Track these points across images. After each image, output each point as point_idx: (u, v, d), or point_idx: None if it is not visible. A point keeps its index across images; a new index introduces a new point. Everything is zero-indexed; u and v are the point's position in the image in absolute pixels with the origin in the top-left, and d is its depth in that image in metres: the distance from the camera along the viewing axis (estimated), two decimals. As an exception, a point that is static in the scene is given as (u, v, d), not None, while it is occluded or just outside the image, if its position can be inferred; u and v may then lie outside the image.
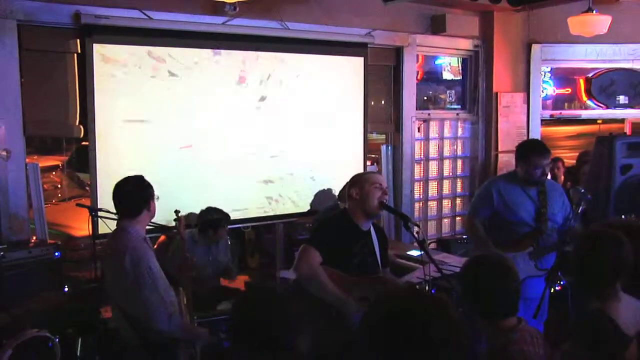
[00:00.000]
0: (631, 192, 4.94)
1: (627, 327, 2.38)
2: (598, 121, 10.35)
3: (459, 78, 7.52)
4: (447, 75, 7.63)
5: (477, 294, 2.39)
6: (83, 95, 4.94)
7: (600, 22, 5.87)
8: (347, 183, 3.62)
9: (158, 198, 3.38)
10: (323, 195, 6.04)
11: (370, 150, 6.88)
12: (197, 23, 5.33)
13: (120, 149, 5.07)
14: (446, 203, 7.46)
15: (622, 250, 2.48)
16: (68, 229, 6.42)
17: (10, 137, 4.67)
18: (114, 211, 3.39)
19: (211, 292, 4.90)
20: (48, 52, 4.90)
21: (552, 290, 3.74)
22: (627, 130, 7.85)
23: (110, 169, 4.97)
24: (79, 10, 4.81)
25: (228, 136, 5.59)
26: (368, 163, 6.79)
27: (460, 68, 7.46)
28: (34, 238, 4.85)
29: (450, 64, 7.58)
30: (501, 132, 7.20)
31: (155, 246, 4.90)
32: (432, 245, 6.55)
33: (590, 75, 7.63)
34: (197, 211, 5.13)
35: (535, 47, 7.30)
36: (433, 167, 7.27)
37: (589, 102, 7.73)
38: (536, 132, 7.43)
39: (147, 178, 3.38)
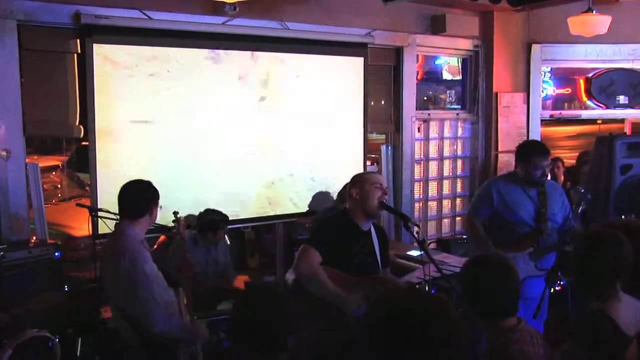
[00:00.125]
0: (631, 192, 4.94)
1: (627, 327, 2.38)
2: (598, 121, 10.35)
3: (458, 78, 7.52)
4: (445, 75, 7.63)
5: (477, 294, 2.39)
6: (83, 95, 4.94)
7: (600, 22, 5.87)
8: (347, 184, 3.62)
9: (161, 207, 3.37)
10: (321, 197, 6.04)
11: (370, 150, 6.88)
12: (197, 23, 5.33)
13: (120, 149, 5.07)
14: (446, 203, 7.46)
15: (622, 250, 2.48)
16: (68, 229, 6.42)
17: (10, 137, 4.67)
18: (114, 211, 3.39)
19: (211, 292, 4.89)
20: (48, 52, 4.90)
21: (552, 290, 3.74)
22: (627, 130, 7.85)
23: (110, 169, 4.97)
24: (79, 10, 4.81)
25: (228, 136, 5.59)
26: (368, 163, 6.79)
27: (460, 67, 7.46)
28: (34, 238, 4.85)
29: (447, 63, 7.58)
30: (501, 132, 7.20)
31: (155, 246, 4.91)
32: (432, 245, 6.55)
33: (590, 75, 7.63)
34: (197, 211, 5.13)
35: (535, 47, 7.30)
36: (433, 167, 7.27)
37: (589, 102, 7.73)
38: (536, 132, 7.43)
39: (146, 178, 3.39)
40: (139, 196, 3.27)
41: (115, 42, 4.98)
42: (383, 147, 6.90)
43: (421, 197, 7.19)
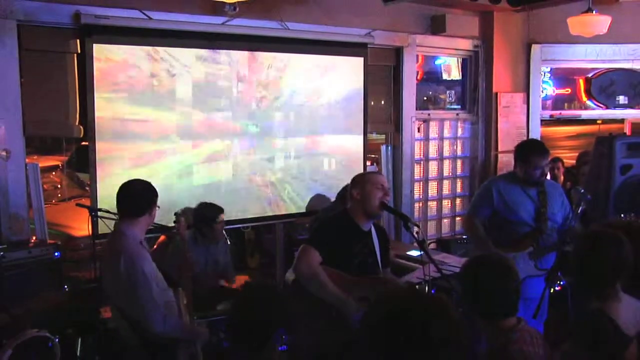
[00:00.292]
0: (631, 192, 4.94)
1: (627, 327, 2.38)
2: (598, 121, 10.35)
3: (458, 78, 7.52)
4: (444, 75, 7.63)
5: (477, 294, 2.39)
6: (83, 95, 4.94)
7: (600, 22, 5.87)
8: (347, 185, 3.62)
9: (159, 207, 3.38)
10: (318, 199, 6.04)
11: (370, 150, 6.88)
12: (196, 23, 5.33)
13: (120, 149, 5.06)
14: (446, 203, 7.46)
15: (622, 250, 2.48)
16: (68, 229, 6.42)
17: (10, 137, 4.67)
18: (114, 211, 3.39)
19: (211, 292, 4.89)
20: (48, 52, 4.90)
21: (552, 290, 3.74)
22: (627, 130, 7.85)
23: (110, 169, 4.98)
24: (79, 10, 4.81)
25: (228, 136, 5.59)
26: (368, 163, 6.79)
27: (460, 67, 7.46)
28: (34, 238, 4.84)
29: (445, 64, 7.58)
30: (501, 132, 7.20)
31: (155, 246, 4.91)
32: (432, 246, 6.55)
33: (590, 75, 7.63)
34: (196, 211, 5.12)
35: (535, 47, 7.30)
36: (433, 167, 7.27)
37: (588, 103, 7.73)
38: (536, 132, 7.43)
39: (146, 178, 3.40)
40: (138, 195, 3.27)
41: (115, 42, 4.98)
42: (383, 147, 6.90)
43: (421, 197, 7.19)
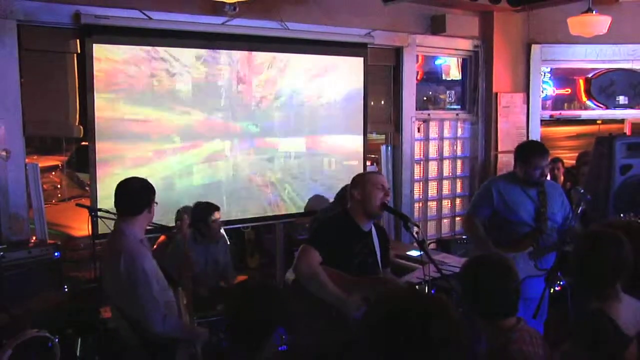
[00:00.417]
0: (631, 192, 4.94)
1: (627, 327, 2.38)
2: (598, 121, 10.35)
3: (458, 78, 7.52)
4: (443, 75, 7.63)
5: (477, 294, 2.39)
6: (83, 95, 4.94)
7: (600, 22, 5.87)
8: (346, 185, 3.62)
9: (157, 204, 3.38)
10: (316, 200, 6.04)
11: (370, 150, 6.88)
12: (196, 23, 5.33)
13: (120, 149, 5.07)
14: (446, 203, 7.46)
15: (622, 250, 2.48)
16: (68, 229, 6.42)
17: (10, 137, 4.67)
18: (114, 211, 3.39)
19: (211, 292, 4.89)
20: (48, 52, 4.90)
21: (552, 290, 3.74)
22: (627, 130, 7.85)
23: (110, 169, 4.98)
24: (79, 10, 4.81)
25: (228, 136, 5.59)
26: (368, 163, 6.79)
27: (459, 67, 7.46)
28: (34, 238, 4.84)
29: (445, 64, 7.58)
30: (501, 133, 7.20)
31: (154, 246, 4.90)
32: (432, 246, 6.55)
33: (590, 75, 7.63)
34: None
35: (535, 48, 7.30)
36: (433, 167, 7.27)
37: (588, 103, 7.73)
38: (536, 132, 7.44)
39: (145, 178, 3.39)
40: (136, 193, 3.27)
41: (115, 42, 4.98)
42: (383, 147, 6.90)
43: (421, 197, 7.19)
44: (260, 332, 2.33)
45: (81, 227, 5.02)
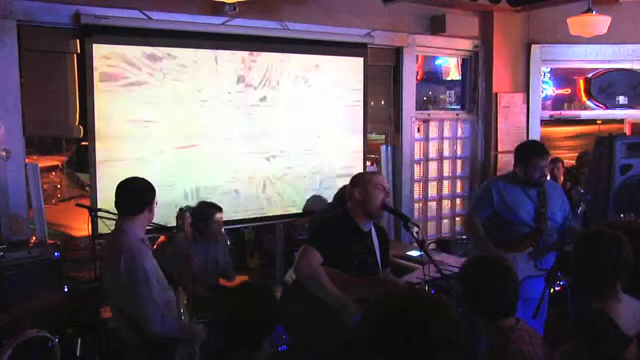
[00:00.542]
0: (631, 192, 4.95)
1: (627, 327, 2.38)
2: (597, 121, 10.36)
3: (458, 78, 7.52)
4: (443, 75, 7.63)
5: (477, 294, 2.39)
6: (83, 95, 4.94)
7: (600, 22, 5.87)
8: (344, 185, 3.61)
9: (157, 204, 3.38)
10: (314, 201, 6.04)
11: (370, 150, 6.88)
12: (196, 23, 5.33)
13: (120, 149, 5.06)
14: (446, 203, 7.46)
15: (622, 250, 2.48)
16: (68, 229, 6.43)
17: (10, 137, 4.67)
18: (114, 211, 3.39)
19: (211, 292, 4.88)
20: (48, 52, 4.90)
21: (552, 290, 3.74)
22: (627, 130, 7.86)
23: (110, 169, 4.97)
24: (79, 10, 4.81)
25: (227, 136, 5.59)
26: (368, 163, 6.79)
27: (459, 68, 7.46)
28: (34, 238, 4.84)
29: (445, 64, 7.58)
30: (501, 133, 7.21)
31: (154, 246, 4.90)
32: (432, 246, 6.55)
33: (589, 75, 7.64)
34: (196, 211, 5.12)
35: (535, 48, 7.30)
36: (433, 167, 7.27)
37: (588, 103, 7.74)
38: (536, 132, 7.44)
39: (146, 178, 3.39)
40: (136, 193, 3.28)
41: (114, 42, 4.98)
42: (383, 148, 6.90)
43: (421, 197, 7.19)
44: (258, 332, 2.32)
45: (81, 227, 5.02)
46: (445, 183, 7.42)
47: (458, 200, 7.52)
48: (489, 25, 7.09)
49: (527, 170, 4.19)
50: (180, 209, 3.81)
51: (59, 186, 8.86)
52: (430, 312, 1.77)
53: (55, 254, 4.58)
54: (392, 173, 6.84)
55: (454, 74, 7.57)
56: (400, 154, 6.76)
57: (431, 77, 7.55)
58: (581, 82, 7.71)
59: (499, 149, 7.20)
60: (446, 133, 7.34)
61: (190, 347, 3.31)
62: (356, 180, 3.49)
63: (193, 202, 5.22)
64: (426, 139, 7.15)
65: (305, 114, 6.00)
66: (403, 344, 1.73)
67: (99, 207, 4.62)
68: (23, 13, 4.63)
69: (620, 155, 5.00)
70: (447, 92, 7.55)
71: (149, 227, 3.53)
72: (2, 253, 4.33)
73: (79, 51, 4.93)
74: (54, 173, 8.94)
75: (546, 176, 4.37)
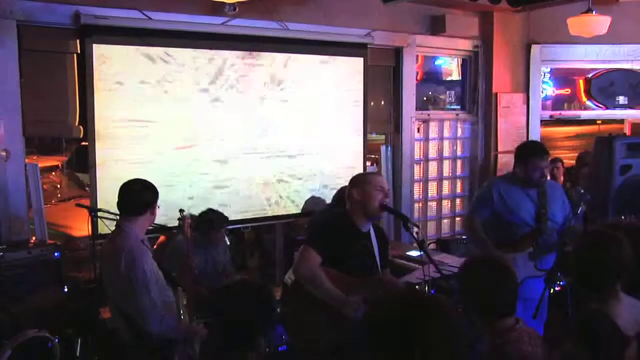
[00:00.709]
0: (631, 192, 4.95)
1: (627, 327, 2.38)
2: (597, 122, 10.34)
3: (458, 78, 7.52)
4: (443, 75, 7.64)
5: (476, 294, 2.39)
6: (83, 95, 4.94)
7: (600, 22, 5.87)
8: (343, 186, 3.61)
9: (159, 207, 3.39)
10: (313, 202, 6.04)
11: (370, 150, 6.88)
12: (196, 23, 5.33)
13: (120, 149, 5.06)
14: (446, 203, 7.46)
15: (622, 250, 2.47)
16: (68, 229, 6.42)
17: (10, 137, 4.66)
18: (114, 211, 3.40)
19: (211, 292, 4.89)
20: (48, 52, 4.90)
21: (552, 290, 3.74)
22: (627, 130, 7.86)
23: (110, 170, 4.97)
24: (79, 10, 4.81)
25: (227, 137, 5.59)
26: (368, 163, 6.79)
27: (459, 68, 7.46)
28: (34, 238, 4.84)
29: (444, 64, 7.58)
30: (501, 133, 7.21)
31: (154, 247, 4.90)
32: (432, 246, 6.55)
33: (589, 75, 7.64)
34: (196, 211, 5.12)
35: (535, 48, 7.30)
36: (433, 167, 7.27)
37: (588, 103, 7.74)
38: (536, 132, 7.44)
39: (146, 178, 3.41)
40: (139, 195, 3.29)
41: (114, 42, 4.98)
42: (383, 148, 6.90)
43: (421, 197, 7.19)
44: (250, 332, 2.32)
45: (81, 227, 5.02)
46: (445, 183, 7.43)
47: (458, 200, 7.52)
48: (489, 25, 7.10)
49: (527, 171, 4.19)
50: (181, 211, 3.81)
51: (59, 186, 8.85)
52: (429, 312, 1.77)
53: (55, 254, 4.58)
54: (392, 173, 6.84)
55: (454, 74, 7.57)
56: (400, 154, 6.76)
57: (431, 77, 7.55)
58: (581, 82, 7.71)
59: (499, 149, 7.20)
60: (446, 133, 7.34)
61: (190, 347, 3.31)
62: (355, 180, 3.49)
63: (192, 202, 5.22)
64: (426, 139, 7.15)
65: (305, 114, 5.99)
66: (403, 344, 1.74)
67: (99, 207, 4.62)
68: (23, 13, 4.63)
69: (620, 155, 5.00)
70: (447, 92, 7.54)
71: (149, 227, 3.53)
72: (2, 253, 4.34)
73: (79, 51, 4.93)
74: (54, 173, 8.94)
75: (546, 176, 4.36)
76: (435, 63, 7.58)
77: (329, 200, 5.85)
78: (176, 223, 3.95)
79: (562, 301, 3.75)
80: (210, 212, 5.04)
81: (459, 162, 7.48)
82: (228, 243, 5.42)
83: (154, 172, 5.10)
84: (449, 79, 7.64)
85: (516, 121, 7.28)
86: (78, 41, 4.92)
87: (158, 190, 3.37)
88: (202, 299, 4.35)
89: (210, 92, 5.47)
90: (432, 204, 7.34)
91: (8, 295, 4.22)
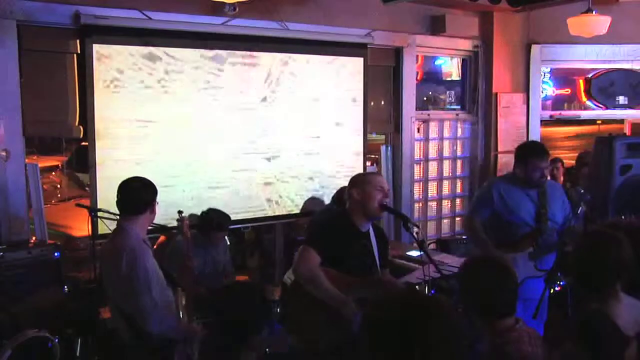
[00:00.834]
0: (631, 192, 4.94)
1: (627, 327, 2.38)
2: (597, 122, 10.35)
3: (458, 79, 7.52)
4: (443, 75, 7.64)
5: (476, 294, 2.39)
6: (83, 95, 4.94)
7: (600, 22, 5.87)
8: (342, 187, 3.61)
9: (158, 203, 3.39)
10: (312, 202, 6.04)
11: (370, 150, 6.88)
12: (196, 23, 5.33)
13: (120, 149, 5.06)
14: (446, 203, 7.46)
15: (622, 250, 2.48)
16: (68, 229, 6.42)
17: (10, 137, 4.66)
18: (114, 211, 3.40)
19: (211, 292, 4.89)
20: (48, 52, 4.90)
21: (552, 290, 3.74)
22: (627, 130, 7.86)
23: (109, 170, 4.97)
24: (79, 10, 4.81)
25: (228, 137, 5.59)
26: (368, 163, 6.79)
27: (459, 68, 7.46)
28: (34, 238, 4.84)
29: (444, 65, 7.58)
30: (501, 133, 7.21)
31: (154, 246, 4.90)
32: (432, 246, 6.55)
33: (589, 75, 7.64)
34: (197, 211, 5.12)
35: (535, 48, 7.30)
36: (433, 167, 7.27)
37: (588, 103, 7.74)
38: (536, 132, 7.44)
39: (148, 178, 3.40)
40: (138, 193, 3.29)
41: (114, 42, 4.98)
42: (383, 148, 6.90)
43: (421, 197, 7.19)
44: (241, 332, 2.32)
45: (81, 227, 5.01)
46: (445, 183, 7.43)
47: (458, 201, 7.52)
48: (489, 25, 7.10)
49: (527, 171, 4.19)
50: (180, 212, 3.81)
51: (59, 186, 8.85)
52: (429, 312, 1.78)
53: (55, 254, 4.58)
54: (392, 173, 6.84)
55: (454, 75, 7.57)
56: (400, 154, 6.76)
57: (431, 77, 7.55)
58: (581, 82, 7.71)
59: (499, 149, 7.20)
60: (446, 133, 7.34)
61: (189, 347, 3.31)
62: (355, 180, 3.49)
63: (192, 202, 5.22)
64: (426, 139, 7.15)
65: (305, 114, 6.00)
66: (403, 344, 1.74)
67: (99, 207, 4.61)
68: (23, 13, 4.63)
69: (620, 155, 5.00)
70: (447, 92, 7.55)
71: (149, 228, 3.53)
72: (2, 253, 4.34)
73: (79, 51, 4.93)
74: (54, 173, 8.94)
75: (546, 177, 4.36)
76: (435, 63, 7.58)
77: (328, 200, 5.85)
78: (176, 223, 3.95)
79: (562, 301, 3.75)
80: (211, 211, 5.04)
81: (459, 162, 7.48)
82: (228, 243, 5.42)
83: (154, 172, 5.08)
84: (449, 78, 7.64)
85: (516, 121, 7.29)
86: (78, 41, 4.92)
87: (157, 188, 3.36)
88: (201, 299, 4.36)
89: (210, 92, 5.47)
90: (432, 204, 7.34)
91: (8, 295, 4.22)
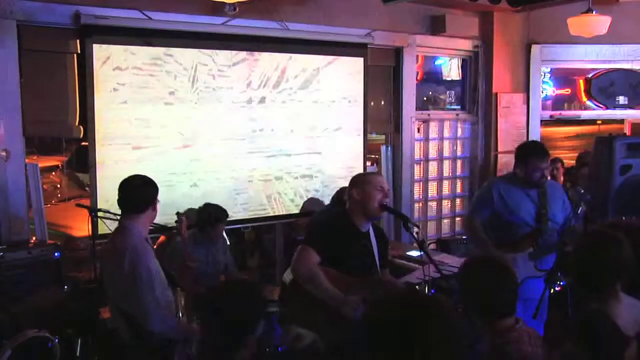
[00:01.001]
0: (631, 192, 4.94)
1: (627, 327, 2.38)
2: (598, 122, 10.35)
3: (458, 78, 7.52)
4: (443, 76, 7.64)
5: (476, 294, 2.39)
6: (83, 95, 4.94)
7: (600, 22, 5.87)
8: (342, 187, 3.61)
9: (159, 201, 3.38)
10: (311, 203, 6.04)
11: (370, 150, 6.88)
12: (196, 23, 5.33)
13: (120, 149, 5.06)
14: (446, 203, 7.46)
15: (622, 250, 2.47)
16: (68, 229, 6.42)
17: (10, 138, 4.67)
18: (114, 211, 3.39)
19: (209, 290, 4.88)
20: (48, 52, 4.90)
21: (552, 290, 3.74)
22: (627, 130, 7.85)
23: (110, 169, 4.97)
24: (79, 10, 4.81)
25: (227, 136, 5.59)
26: (368, 163, 6.79)
27: (459, 68, 7.46)
28: (34, 238, 4.85)
29: (444, 65, 7.58)
30: (501, 133, 7.21)
31: (155, 246, 4.90)
32: (432, 246, 6.55)
33: (589, 75, 7.64)
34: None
35: (535, 48, 7.30)
36: (433, 167, 7.28)
37: (588, 103, 7.74)
38: (536, 132, 7.44)
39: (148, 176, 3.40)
40: (139, 191, 3.28)
41: (114, 42, 4.98)
42: (383, 148, 6.91)
43: (421, 197, 7.19)
44: (236, 331, 2.32)
45: (81, 227, 5.02)
46: (445, 183, 7.43)
47: (458, 201, 7.52)
48: (489, 25, 7.10)
49: (527, 171, 4.18)
50: (178, 213, 3.80)
51: (59, 186, 8.86)
52: (429, 312, 1.78)
53: (55, 254, 4.59)
54: (392, 173, 6.84)
55: (454, 75, 7.57)
56: (400, 154, 6.76)
57: (431, 77, 7.55)
58: (581, 82, 7.71)
59: (499, 149, 7.20)
60: (446, 133, 7.34)
61: (189, 347, 3.31)
62: (355, 180, 3.49)
63: (193, 201, 5.21)
64: (426, 139, 7.15)
65: (305, 114, 6.00)
66: (403, 344, 1.74)
67: (99, 207, 4.61)
68: (23, 13, 4.63)
69: (620, 155, 5.00)
70: (447, 92, 7.55)
71: (150, 227, 3.52)
72: (2, 253, 4.34)
73: (79, 51, 4.93)
74: (54, 173, 8.95)
75: (547, 177, 4.36)
76: (435, 63, 7.58)
77: (328, 201, 5.85)
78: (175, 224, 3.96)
79: (562, 301, 3.75)
80: (208, 206, 5.02)
81: (459, 162, 7.48)
82: (228, 242, 5.41)
83: (154, 171, 5.07)
84: (449, 78, 7.64)
85: (516, 121, 7.29)
86: (78, 41, 4.92)
87: (157, 185, 3.35)
88: (199, 298, 4.36)
89: (210, 91, 5.47)
90: (432, 204, 7.34)
91: (8, 295, 4.22)
